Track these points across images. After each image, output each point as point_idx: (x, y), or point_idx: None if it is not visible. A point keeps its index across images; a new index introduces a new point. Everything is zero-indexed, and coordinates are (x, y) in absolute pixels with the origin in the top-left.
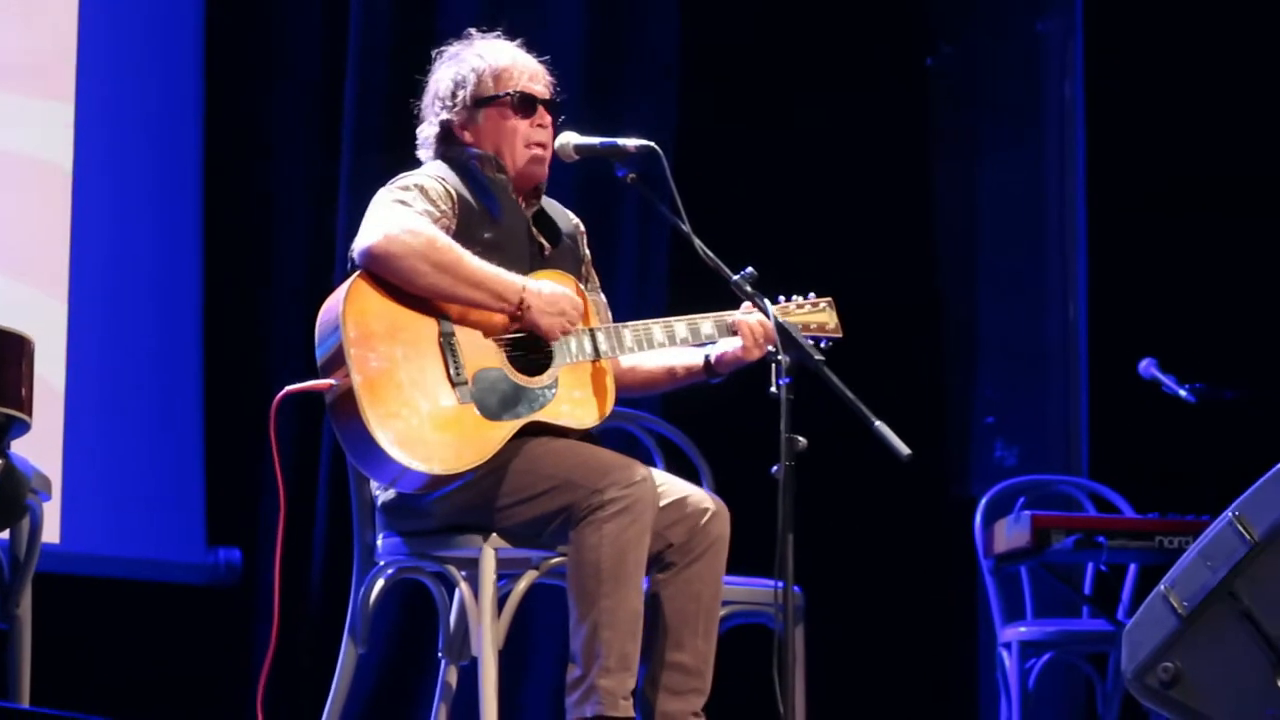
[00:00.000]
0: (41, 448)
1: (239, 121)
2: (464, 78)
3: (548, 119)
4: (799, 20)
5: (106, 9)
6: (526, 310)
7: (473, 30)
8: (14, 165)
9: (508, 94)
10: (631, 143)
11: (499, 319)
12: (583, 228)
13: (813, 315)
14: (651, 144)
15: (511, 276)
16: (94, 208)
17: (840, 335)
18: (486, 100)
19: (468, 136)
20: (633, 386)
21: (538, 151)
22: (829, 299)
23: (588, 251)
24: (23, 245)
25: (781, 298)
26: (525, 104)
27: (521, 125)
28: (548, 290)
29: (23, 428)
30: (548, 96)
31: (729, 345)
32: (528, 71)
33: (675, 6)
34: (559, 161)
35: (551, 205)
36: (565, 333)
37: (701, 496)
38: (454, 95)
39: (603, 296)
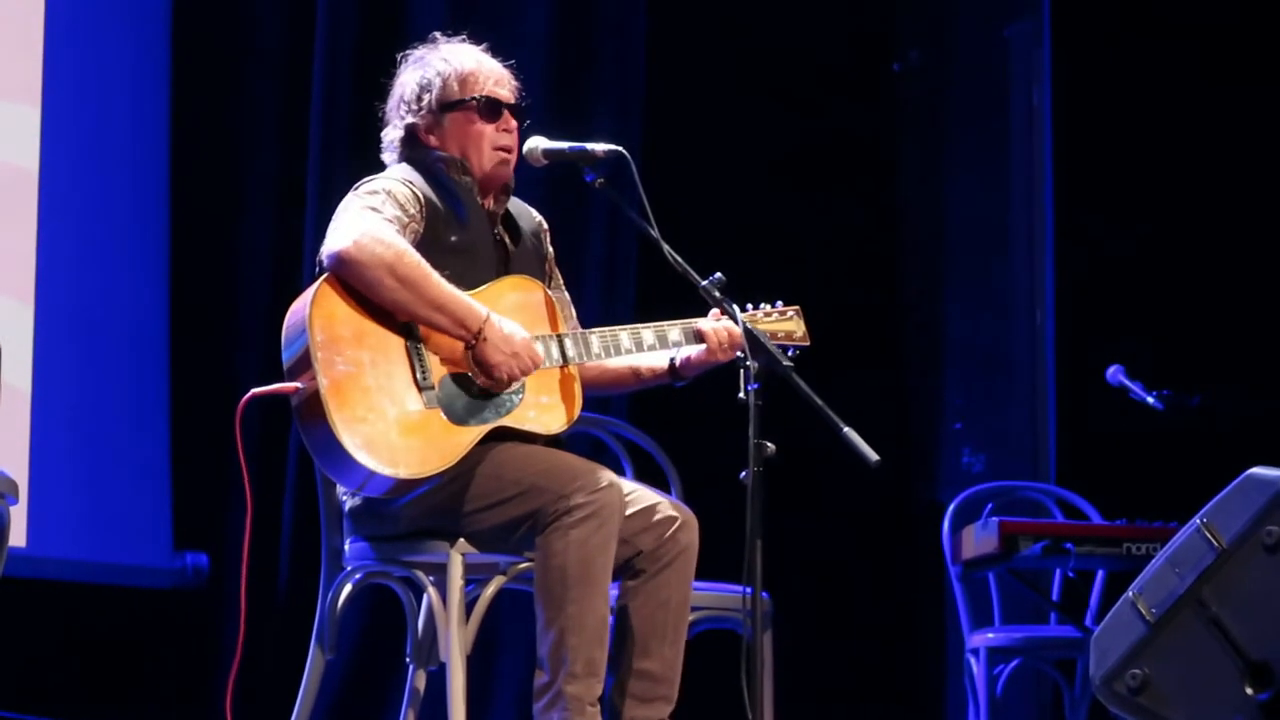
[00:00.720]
0: (8, 452)
1: (206, 124)
2: (429, 82)
3: (513, 123)
4: (766, 24)
5: (73, 11)
6: (482, 342)
7: (437, 34)
8: None
9: (473, 99)
10: (600, 148)
11: None
12: (545, 225)
13: (781, 324)
14: (620, 149)
15: (477, 305)
16: (61, 212)
17: (808, 344)
18: (452, 105)
19: (433, 140)
20: (603, 386)
21: (503, 155)
22: (796, 307)
23: (550, 249)
24: None
25: (750, 306)
26: (491, 108)
27: (487, 129)
28: (508, 329)
29: None
30: (513, 100)
31: (694, 349)
32: (493, 76)
33: (642, 9)
34: (526, 160)
35: (514, 204)
36: (511, 377)
37: (670, 505)
38: (419, 99)
39: (566, 294)
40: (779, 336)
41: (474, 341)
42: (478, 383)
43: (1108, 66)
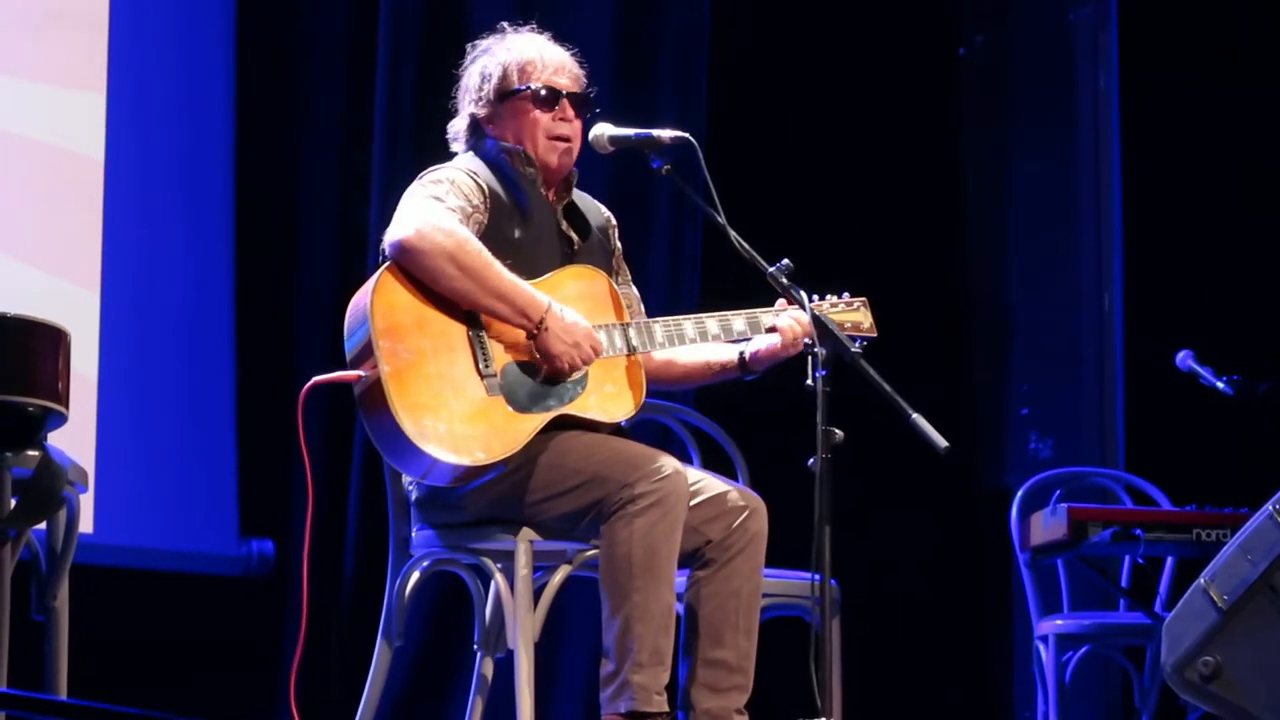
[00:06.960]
0: (75, 439)
1: (269, 113)
2: (490, 71)
3: (571, 112)
4: (830, 9)
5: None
6: (543, 331)
7: (505, 24)
8: (46, 157)
9: (529, 87)
10: (667, 134)
11: None
12: (614, 220)
13: (847, 314)
14: (687, 135)
15: (539, 295)
16: (126, 199)
17: (875, 335)
18: (509, 93)
19: (492, 129)
20: (669, 380)
21: (559, 144)
22: (863, 299)
23: (619, 244)
24: (56, 237)
25: (816, 296)
26: (547, 97)
27: (543, 118)
28: (569, 319)
29: (59, 420)
30: (574, 89)
31: (763, 342)
32: (553, 64)
33: None
34: (591, 150)
35: (582, 198)
36: (573, 367)
37: (739, 493)
38: (480, 88)
39: (635, 290)
40: (846, 327)
41: (536, 331)
42: (541, 370)
43: (1174, 48)
